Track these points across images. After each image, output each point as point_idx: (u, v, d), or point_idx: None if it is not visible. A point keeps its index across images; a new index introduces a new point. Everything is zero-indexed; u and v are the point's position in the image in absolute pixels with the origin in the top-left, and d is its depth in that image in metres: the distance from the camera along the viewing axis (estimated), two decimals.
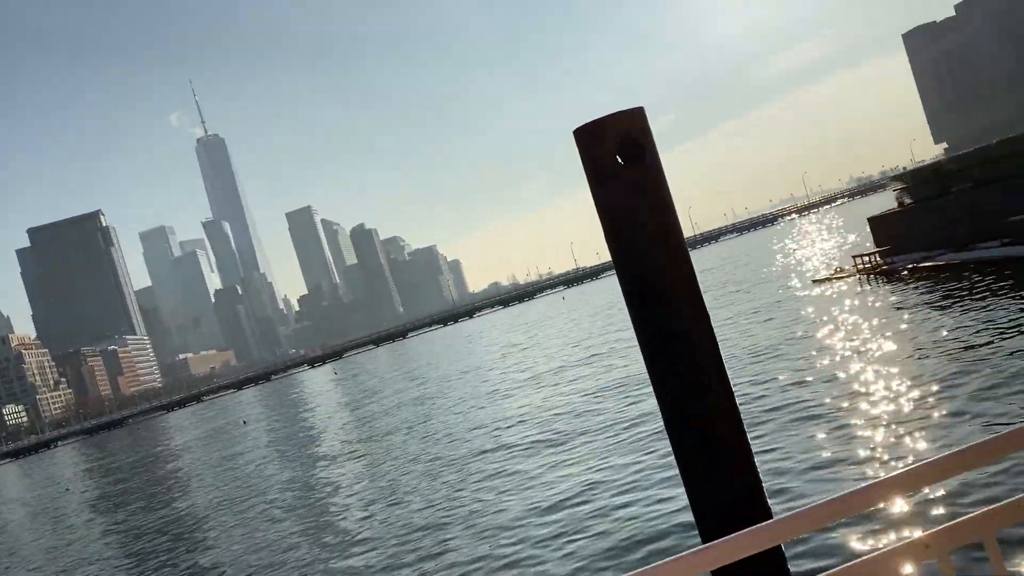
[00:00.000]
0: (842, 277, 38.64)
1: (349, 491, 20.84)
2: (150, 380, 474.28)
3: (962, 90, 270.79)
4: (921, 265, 33.84)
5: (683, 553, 2.13)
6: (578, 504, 13.56)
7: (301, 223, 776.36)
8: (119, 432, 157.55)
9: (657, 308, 3.26)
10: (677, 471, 3.28)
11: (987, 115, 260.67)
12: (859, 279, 36.56)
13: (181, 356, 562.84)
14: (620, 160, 3.21)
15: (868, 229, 42.45)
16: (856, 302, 29.80)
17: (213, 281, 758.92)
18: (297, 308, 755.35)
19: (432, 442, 24.89)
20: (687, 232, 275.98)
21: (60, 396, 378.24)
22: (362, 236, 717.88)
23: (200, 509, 25.67)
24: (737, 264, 78.50)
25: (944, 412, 12.78)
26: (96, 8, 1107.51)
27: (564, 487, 14.90)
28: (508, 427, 23.70)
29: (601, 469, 15.45)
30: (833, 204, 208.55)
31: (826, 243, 72.82)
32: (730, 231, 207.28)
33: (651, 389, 2.98)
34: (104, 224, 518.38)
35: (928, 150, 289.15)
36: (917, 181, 39.58)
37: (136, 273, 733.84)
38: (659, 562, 2.09)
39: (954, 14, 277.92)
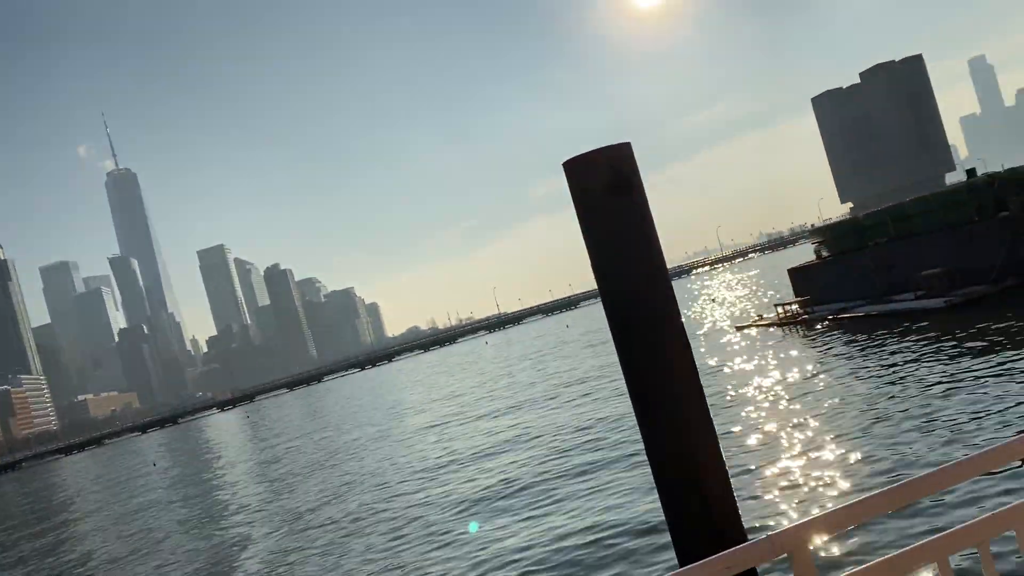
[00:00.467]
0: (764, 325, 39.56)
1: (264, 540, 19.90)
2: (45, 422, 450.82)
3: (866, 153, 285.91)
4: (840, 316, 34.90)
5: None
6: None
7: (213, 262, 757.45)
8: (10, 476, 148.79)
9: (641, 336, 3.35)
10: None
11: (889, 177, 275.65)
12: (781, 328, 37.46)
13: (80, 397, 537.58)
14: (608, 193, 3.42)
15: (787, 280, 43.93)
16: (775, 348, 30.52)
17: (118, 320, 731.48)
18: (205, 350, 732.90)
19: (344, 493, 24.01)
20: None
21: None
22: (276, 276, 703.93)
23: (96, 562, 24.14)
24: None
25: (857, 455, 13.21)
26: (3, 34, 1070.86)
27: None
28: (430, 472, 23.12)
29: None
30: (745, 258, 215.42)
31: (742, 293, 74.61)
32: None
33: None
34: (2, 257, 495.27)
35: (835, 208, 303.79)
36: (835, 235, 41.09)
37: (35, 309, 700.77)
38: None
39: (859, 81, 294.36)
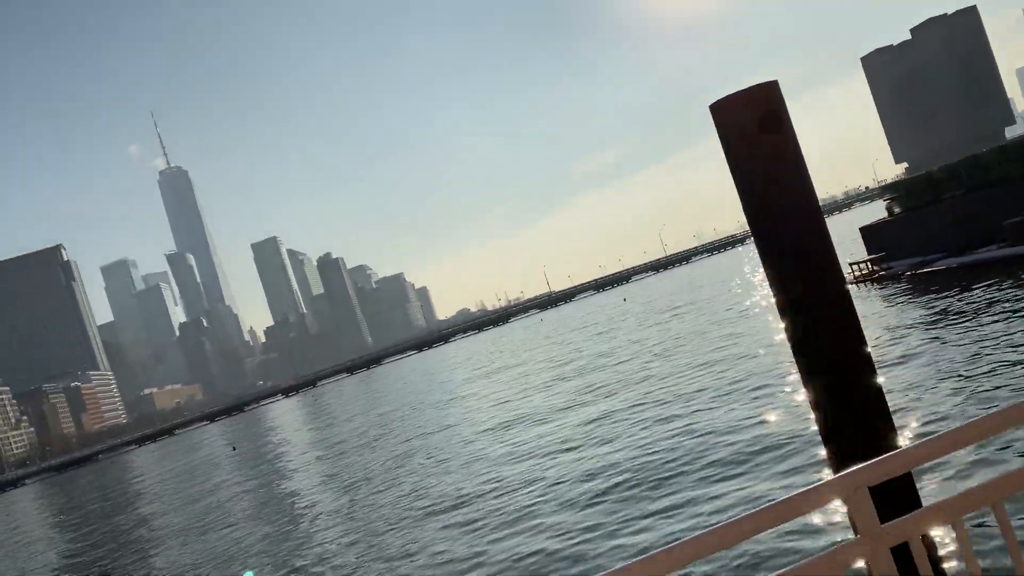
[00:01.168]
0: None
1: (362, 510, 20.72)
2: (115, 416, 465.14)
3: (920, 111, 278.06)
4: (920, 271, 34.57)
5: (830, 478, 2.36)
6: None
7: (267, 254, 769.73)
8: (89, 468, 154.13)
9: (794, 270, 3.42)
10: None
11: (945, 134, 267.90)
12: (857, 285, 37.20)
13: (146, 391, 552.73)
14: (759, 131, 3.49)
15: (846, 243, 43.51)
16: (861, 306, 30.37)
17: (177, 314, 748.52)
18: (263, 340, 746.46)
19: (425, 470, 24.65)
20: (657, 254, 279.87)
21: (21, 435, 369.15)
22: (328, 265, 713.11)
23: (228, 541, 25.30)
24: (736, 278, 79.39)
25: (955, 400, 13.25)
26: (51, 38, 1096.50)
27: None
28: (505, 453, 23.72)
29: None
30: None
31: None
32: (701, 252, 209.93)
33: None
34: (65, 258, 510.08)
35: (889, 170, 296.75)
36: (908, 190, 40.59)
37: (98, 308, 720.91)
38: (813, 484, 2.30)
39: (910, 38, 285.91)
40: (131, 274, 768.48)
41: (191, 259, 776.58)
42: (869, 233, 42.00)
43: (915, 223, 38.48)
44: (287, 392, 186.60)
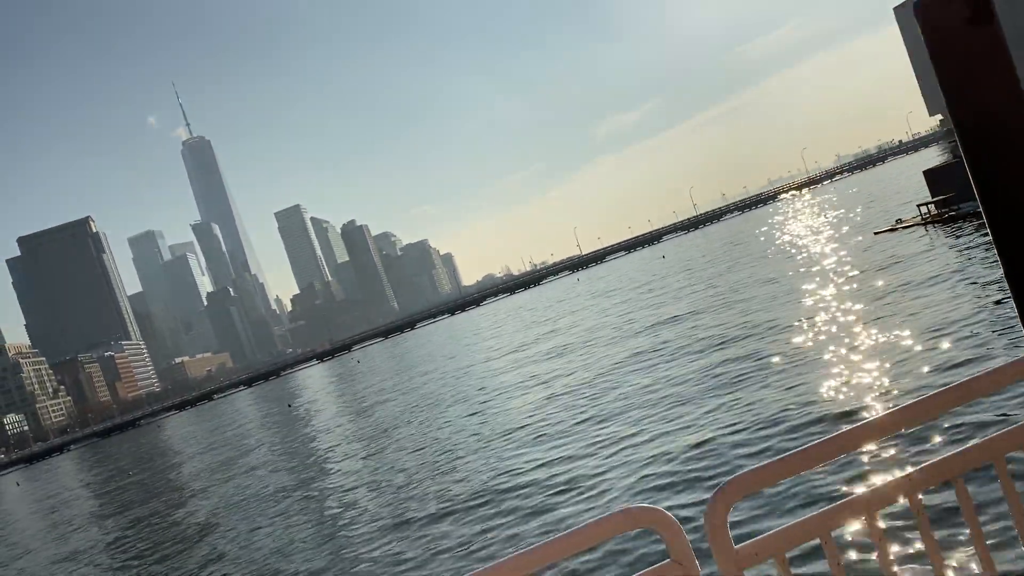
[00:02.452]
0: (907, 227, 39.10)
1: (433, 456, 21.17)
2: (148, 385, 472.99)
3: None
4: None
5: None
6: None
7: (291, 222, 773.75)
8: (132, 433, 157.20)
9: (999, 164, 3.44)
10: None
11: None
12: (925, 227, 37.01)
13: (177, 360, 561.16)
14: (967, 23, 3.40)
15: (893, 191, 43.27)
16: (934, 246, 30.28)
17: (204, 284, 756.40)
18: (290, 308, 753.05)
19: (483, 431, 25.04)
20: (686, 214, 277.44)
21: (60, 404, 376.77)
22: (353, 233, 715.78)
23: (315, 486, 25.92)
24: (775, 231, 78.91)
25: None
26: (70, 9, 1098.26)
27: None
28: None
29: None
30: (834, 179, 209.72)
31: (852, 207, 72.83)
32: (732, 210, 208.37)
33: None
34: (95, 230, 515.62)
35: (923, 122, 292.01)
36: None
37: (126, 279, 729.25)
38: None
39: None
40: (158, 245, 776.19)
41: (216, 229, 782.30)
42: (933, 176, 41.57)
43: None
44: (322, 356, 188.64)
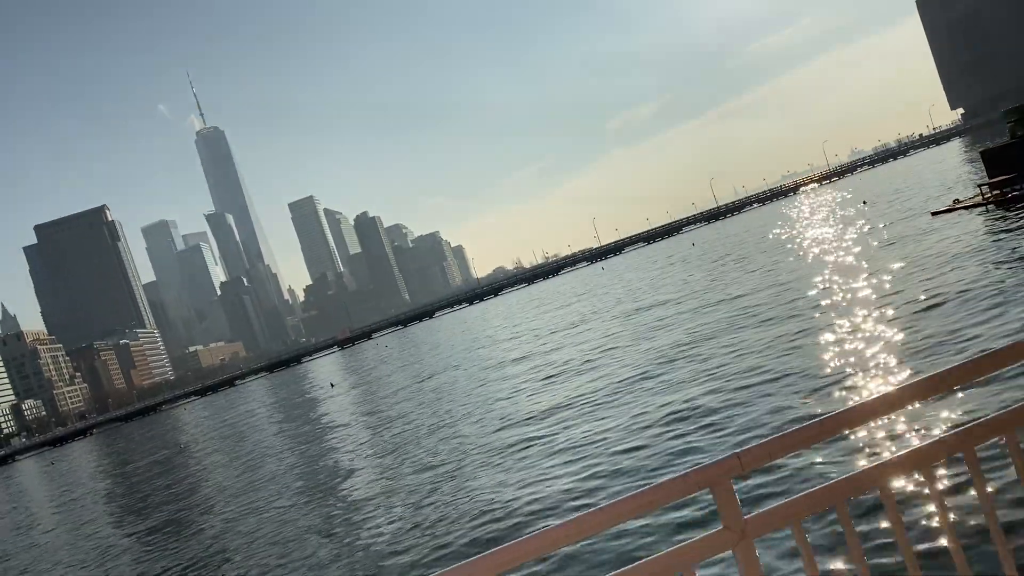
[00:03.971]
0: (967, 207, 39.05)
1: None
2: (162, 373, 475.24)
3: (978, 54, 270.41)
4: None
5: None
6: None
7: (304, 213, 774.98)
8: (153, 419, 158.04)
9: None
10: None
11: (1004, 78, 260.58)
12: (987, 207, 36.96)
13: (191, 348, 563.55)
14: None
15: (927, 179, 43.11)
16: (992, 226, 30.29)
17: (217, 274, 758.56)
18: (303, 298, 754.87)
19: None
20: (706, 205, 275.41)
21: (76, 390, 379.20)
22: (366, 224, 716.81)
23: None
24: (823, 214, 78.83)
25: None
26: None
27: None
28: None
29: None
30: (855, 172, 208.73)
31: (890, 195, 72.63)
32: (752, 202, 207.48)
33: None
34: (110, 219, 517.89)
35: (945, 116, 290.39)
36: None
37: (140, 268, 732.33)
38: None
39: None
40: (171, 234, 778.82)
41: (230, 219, 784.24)
42: (992, 156, 41.42)
43: None
44: (343, 344, 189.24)
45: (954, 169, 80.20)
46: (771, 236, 68.77)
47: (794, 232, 64.90)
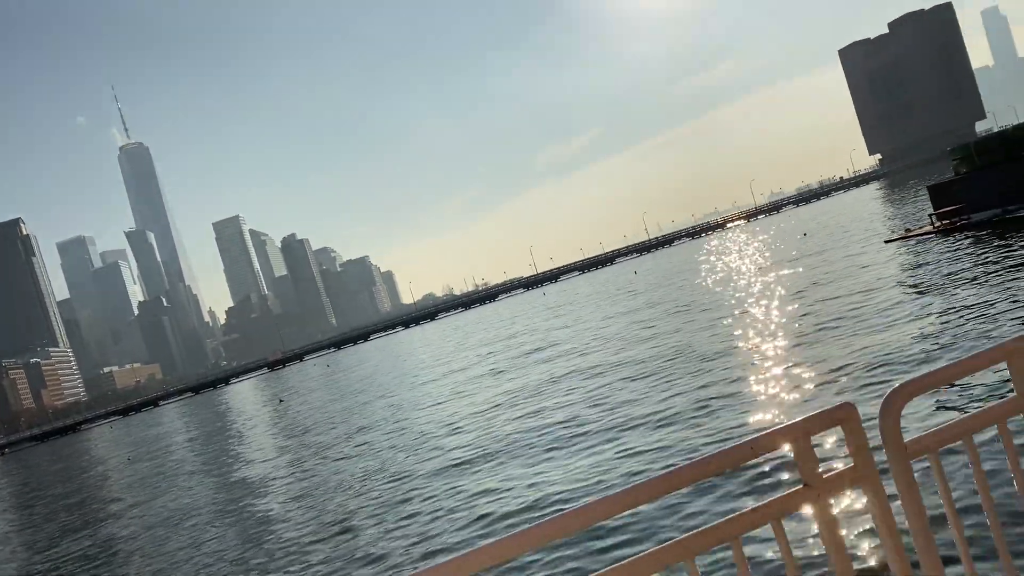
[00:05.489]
0: (918, 235, 41.63)
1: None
2: (75, 394, 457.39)
3: (895, 104, 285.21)
4: (1008, 217, 37.01)
5: None
6: None
7: (228, 233, 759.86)
8: (72, 439, 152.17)
9: None
10: None
11: (919, 128, 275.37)
12: (938, 236, 39.54)
13: (106, 369, 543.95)
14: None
15: (859, 215, 45.89)
16: (953, 252, 32.65)
17: (136, 293, 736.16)
18: (224, 320, 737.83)
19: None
20: (636, 238, 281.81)
21: None
22: (293, 246, 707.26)
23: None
24: (767, 243, 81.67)
25: None
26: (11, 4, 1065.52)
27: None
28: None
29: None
30: (780, 211, 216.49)
31: (829, 228, 76.13)
32: (682, 236, 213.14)
33: None
34: (25, 233, 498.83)
35: (864, 160, 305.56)
36: (980, 150, 43.07)
37: (54, 284, 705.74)
38: None
39: (888, 31, 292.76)
40: (89, 251, 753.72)
41: (151, 237, 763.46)
42: (938, 190, 44.39)
43: (989, 178, 40.97)
44: (273, 366, 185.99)
45: (876, 208, 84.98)
46: (726, 263, 71.16)
47: (743, 260, 67.35)
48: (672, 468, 2.34)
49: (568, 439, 17.26)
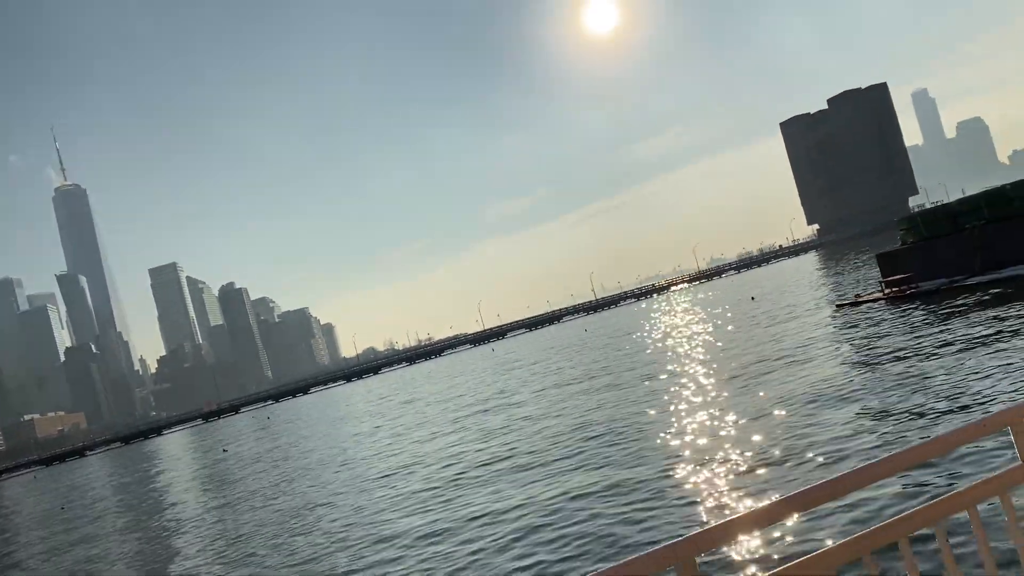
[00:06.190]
0: (868, 301, 42.84)
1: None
2: None
3: (833, 177, 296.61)
4: (954, 286, 38.40)
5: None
6: None
7: (164, 280, 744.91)
8: (25, 477, 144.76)
9: None
10: None
11: (855, 200, 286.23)
12: (888, 302, 40.77)
13: (27, 417, 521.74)
14: None
15: (800, 280, 47.43)
16: (901, 318, 33.74)
17: (64, 339, 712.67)
18: (155, 369, 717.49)
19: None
20: (583, 297, 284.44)
21: None
22: (231, 295, 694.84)
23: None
24: (731, 305, 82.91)
25: None
26: None
27: None
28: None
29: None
30: (723, 275, 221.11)
31: (775, 293, 77.97)
32: (628, 297, 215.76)
33: None
34: None
35: (802, 229, 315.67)
36: (927, 221, 44.77)
37: None
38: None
39: (827, 107, 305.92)
40: (15, 293, 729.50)
41: (83, 281, 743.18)
42: (886, 259, 45.96)
43: (936, 249, 42.56)
44: (208, 416, 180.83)
45: (817, 275, 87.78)
46: (675, 325, 72.02)
47: (692, 323, 68.30)
48: (909, 446, 2.39)
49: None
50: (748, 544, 10.67)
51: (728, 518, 2.49)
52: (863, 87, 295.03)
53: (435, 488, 21.42)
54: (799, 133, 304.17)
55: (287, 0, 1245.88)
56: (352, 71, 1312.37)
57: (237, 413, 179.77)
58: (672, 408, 24.20)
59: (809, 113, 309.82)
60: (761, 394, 22.74)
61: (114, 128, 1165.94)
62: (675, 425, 21.22)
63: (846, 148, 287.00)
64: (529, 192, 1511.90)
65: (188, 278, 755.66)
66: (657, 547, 2.36)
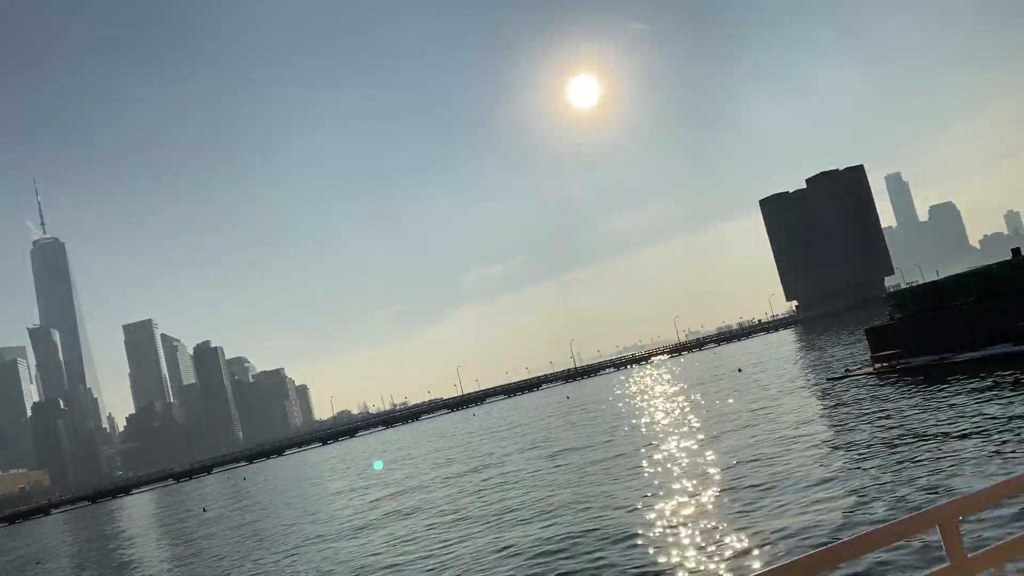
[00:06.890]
0: (861, 374, 43.44)
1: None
2: None
3: (810, 255, 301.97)
4: (943, 363, 39.08)
5: None
6: None
7: (139, 337, 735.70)
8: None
9: None
10: None
11: (832, 278, 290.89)
12: (879, 376, 41.36)
13: None
14: None
15: (785, 354, 48.30)
16: (888, 392, 34.32)
17: (32, 393, 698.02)
18: (123, 427, 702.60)
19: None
20: (562, 365, 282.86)
21: None
22: (206, 354, 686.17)
23: None
24: (719, 377, 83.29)
25: None
26: None
27: None
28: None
29: None
30: (703, 348, 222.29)
31: (761, 366, 78.63)
32: (607, 366, 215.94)
33: None
34: None
35: (781, 305, 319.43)
36: (915, 297, 45.77)
37: None
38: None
39: (805, 187, 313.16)
40: None
41: (56, 335, 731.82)
42: (875, 334, 46.73)
43: (925, 325, 43.38)
44: (178, 477, 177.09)
45: (797, 349, 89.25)
46: (670, 396, 72.25)
47: (683, 394, 68.57)
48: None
49: None
50: None
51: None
52: (840, 168, 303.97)
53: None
54: (778, 211, 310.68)
55: (267, 67, 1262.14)
56: (332, 132, 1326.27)
57: (209, 473, 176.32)
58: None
59: (788, 192, 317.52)
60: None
61: (95, 184, 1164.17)
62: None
63: (824, 227, 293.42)
64: (508, 258, 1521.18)
65: (163, 335, 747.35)
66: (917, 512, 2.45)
